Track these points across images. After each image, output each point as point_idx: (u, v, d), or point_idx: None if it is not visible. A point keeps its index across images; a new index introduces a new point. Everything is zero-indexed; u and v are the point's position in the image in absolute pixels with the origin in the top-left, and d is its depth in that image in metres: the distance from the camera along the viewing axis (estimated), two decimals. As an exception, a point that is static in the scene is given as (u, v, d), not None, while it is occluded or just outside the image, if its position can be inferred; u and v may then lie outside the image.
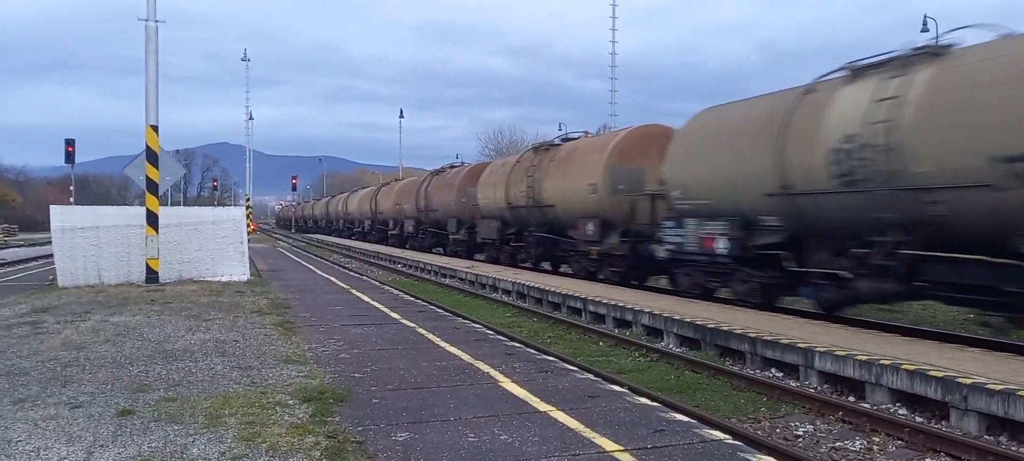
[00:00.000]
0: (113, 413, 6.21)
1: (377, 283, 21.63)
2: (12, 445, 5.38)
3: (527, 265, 23.44)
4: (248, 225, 29.68)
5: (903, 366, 7.95)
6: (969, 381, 7.23)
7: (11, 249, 42.85)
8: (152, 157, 17.30)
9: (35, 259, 31.58)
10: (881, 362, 8.20)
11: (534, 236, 22.22)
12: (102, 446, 5.37)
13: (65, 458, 5.11)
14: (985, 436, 6.97)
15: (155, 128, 17.30)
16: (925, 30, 33.54)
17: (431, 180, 34.88)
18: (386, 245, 42.21)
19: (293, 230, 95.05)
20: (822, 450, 6.93)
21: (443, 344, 9.96)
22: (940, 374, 7.56)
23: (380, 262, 32.66)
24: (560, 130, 28.94)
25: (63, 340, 9.66)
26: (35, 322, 11.20)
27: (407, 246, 37.55)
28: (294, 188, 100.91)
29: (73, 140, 37.13)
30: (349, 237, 54.63)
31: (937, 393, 7.48)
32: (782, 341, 9.73)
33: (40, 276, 21.86)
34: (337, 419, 6.14)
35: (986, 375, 7.45)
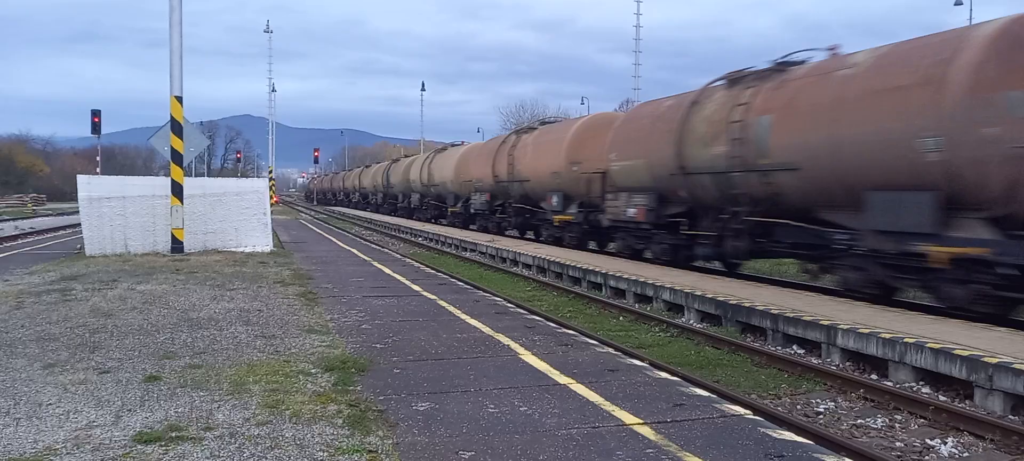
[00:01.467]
0: (140, 379, 6.33)
1: (399, 256, 21.75)
2: (43, 408, 5.50)
3: (512, 233, 26.93)
4: (271, 197, 29.94)
5: (928, 344, 7.87)
6: (995, 360, 7.14)
7: (40, 218, 43.58)
8: (177, 128, 17.44)
9: (63, 228, 32.09)
10: (905, 340, 8.12)
11: (513, 207, 26.12)
12: (130, 410, 5.48)
13: (94, 421, 5.22)
14: (1010, 416, 6.90)
15: (179, 99, 17.42)
16: (959, 3, 32.71)
17: (433, 157, 38.61)
18: (395, 216, 45.77)
19: (315, 203, 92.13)
20: (843, 426, 6.90)
21: (464, 316, 10.01)
22: (965, 353, 7.47)
23: (401, 235, 32.82)
24: (582, 105, 29.99)
25: (91, 307, 9.83)
26: (64, 290, 11.41)
27: (414, 217, 41.68)
28: (316, 161, 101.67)
29: (99, 111, 37.49)
30: (375, 211, 55.89)
31: (962, 372, 7.40)
32: (804, 318, 9.66)
33: (68, 245, 22.23)
34: (359, 388, 6.21)
35: (1013, 354, 7.36)
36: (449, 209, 34.70)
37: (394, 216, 46.09)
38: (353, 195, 67.48)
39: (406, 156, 48.92)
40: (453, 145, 38.81)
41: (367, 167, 66.40)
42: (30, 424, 5.14)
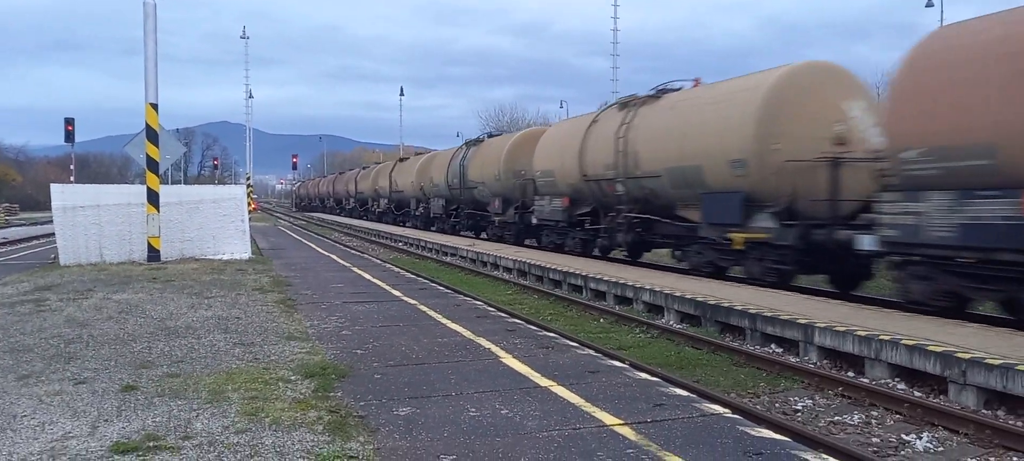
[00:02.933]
0: (117, 388, 6.26)
1: (378, 261, 21.67)
2: (18, 420, 5.42)
3: (468, 234, 30.01)
4: (249, 204, 29.68)
5: (903, 341, 7.99)
6: (968, 356, 7.26)
7: (13, 228, 42.90)
8: (152, 135, 17.27)
9: (37, 238, 31.62)
10: (881, 337, 8.24)
11: (465, 211, 30.01)
12: (106, 420, 5.42)
13: (70, 432, 5.16)
14: (983, 410, 7.02)
15: (155, 106, 17.26)
16: (930, 4, 33.24)
17: (394, 166, 42.19)
18: (372, 221, 46.16)
19: (296, 210, 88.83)
20: (821, 424, 6.98)
21: (444, 321, 10.00)
22: (939, 349, 7.59)
23: (381, 240, 32.71)
24: (561, 108, 30.96)
25: (66, 317, 9.70)
26: (38, 300, 11.24)
27: (383, 221, 43.52)
28: (295, 167, 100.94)
29: (73, 119, 37.00)
30: (348, 215, 56.84)
31: (936, 368, 7.52)
32: (782, 317, 9.76)
33: (42, 255, 21.92)
34: (339, 394, 6.19)
35: (985, 350, 7.49)
36: (413, 213, 38.59)
37: (369, 221, 47.10)
38: (346, 202, 61.65)
39: (377, 163, 50.37)
40: (417, 153, 42.62)
41: (364, 169, 61.93)
42: (4, 436, 5.07)
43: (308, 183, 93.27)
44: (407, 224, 39.17)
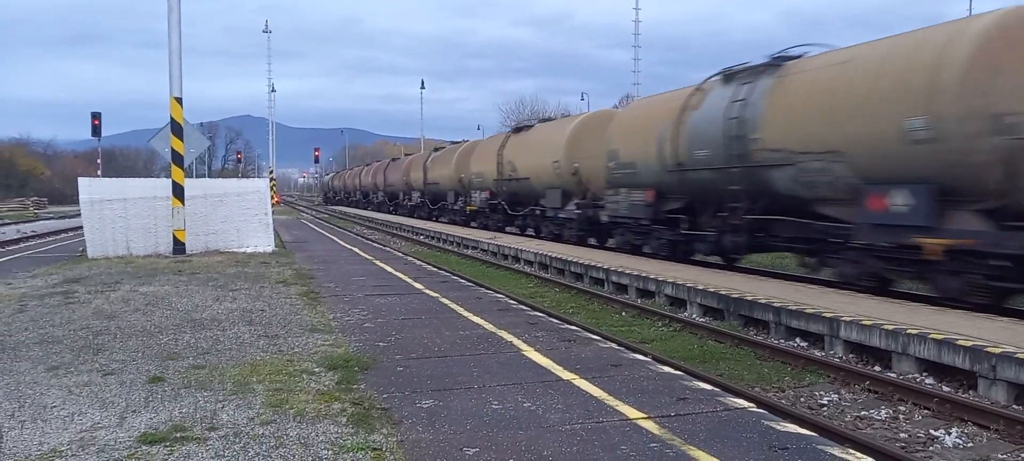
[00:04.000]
0: (144, 380, 6.34)
1: (400, 254, 21.76)
2: (47, 410, 5.51)
3: (513, 230, 27.54)
4: (272, 197, 29.91)
5: (931, 335, 7.87)
6: (998, 350, 7.14)
7: (41, 221, 43.64)
8: (177, 129, 17.45)
9: (65, 231, 32.13)
10: (908, 331, 8.12)
11: (513, 205, 27.79)
12: (134, 411, 5.48)
13: (99, 423, 5.23)
14: (1014, 406, 6.89)
15: (179, 100, 17.42)
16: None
17: (429, 156, 39.48)
18: (396, 214, 45.76)
19: (327, 203, 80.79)
20: (847, 419, 6.90)
21: (466, 314, 10.01)
22: (968, 343, 7.47)
23: (403, 233, 32.83)
24: (582, 100, 29.63)
25: (94, 309, 9.84)
26: (67, 292, 11.42)
27: (416, 215, 41.60)
28: (317, 160, 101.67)
29: (99, 113, 37.50)
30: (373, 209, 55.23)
31: (965, 362, 7.40)
32: (807, 311, 9.66)
33: (70, 247, 22.26)
34: (362, 386, 6.21)
35: (1016, 344, 7.35)
36: (450, 207, 35.06)
37: (393, 214, 46.07)
38: (404, 196, 47.42)
39: (438, 149, 41.15)
40: (439, 146, 40.21)
41: (395, 160, 54.68)
42: (35, 426, 5.15)
43: (344, 174, 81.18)
44: (442, 219, 36.16)
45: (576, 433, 5.09)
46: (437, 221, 36.37)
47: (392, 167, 50.84)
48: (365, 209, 56.74)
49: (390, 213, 47.81)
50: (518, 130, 27.07)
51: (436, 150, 39.85)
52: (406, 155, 51.76)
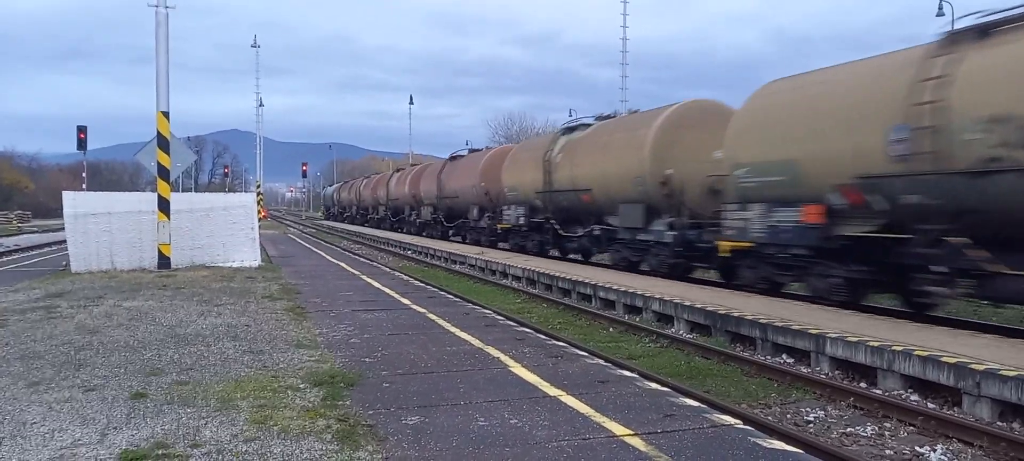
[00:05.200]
0: (126, 396, 6.26)
1: (387, 269, 21.68)
2: (27, 427, 5.43)
3: (576, 256, 23.49)
4: (259, 212, 29.75)
5: (916, 352, 7.91)
6: (982, 367, 7.18)
7: (25, 235, 43.20)
8: (163, 143, 17.37)
9: (48, 245, 31.82)
10: (893, 348, 8.16)
11: (560, 223, 26.19)
12: (116, 428, 5.41)
13: (79, 440, 5.16)
14: (998, 422, 6.93)
15: (166, 114, 17.36)
16: (941, 14, 33.09)
17: (444, 166, 35.14)
18: (377, 229, 45.41)
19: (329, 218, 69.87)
20: (833, 435, 6.92)
21: (453, 329, 9.98)
22: (953, 360, 7.51)
23: (390, 248, 32.73)
24: (570, 116, 28.17)
25: (77, 324, 9.74)
26: (49, 307, 11.29)
27: (424, 234, 37.26)
28: (304, 175, 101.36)
29: (85, 127, 37.27)
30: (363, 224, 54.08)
31: (950, 379, 7.44)
32: (793, 327, 9.69)
33: (54, 261, 22.04)
34: (348, 403, 6.17)
35: (1000, 361, 7.41)
36: (407, 220, 38.89)
37: (372, 228, 46.01)
38: (412, 212, 41.66)
39: (455, 158, 35.30)
40: (412, 165, 41.28)
41: (399, 172, 47.98)
42: (14, 443, 5.07)
43: (357, 184, 62.19)
44: (467, 238, 31.20)
45: (562, 450, 5.06)
46: (454, 241, 32.12)
47: (398, 179, 44.93)
48: (378, 228, 48.10)
49: (393, 230, 43.67)
50: (570, 130, 21.89)
51: (452, 158, 34.43)
52: (411, 166, 47.24)
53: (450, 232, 33.17)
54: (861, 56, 12.07)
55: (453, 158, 34.45)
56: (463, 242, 31.17)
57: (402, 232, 41.01)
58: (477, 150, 33.44)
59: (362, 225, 52.91)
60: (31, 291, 13.51)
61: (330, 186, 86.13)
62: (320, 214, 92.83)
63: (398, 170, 49.29)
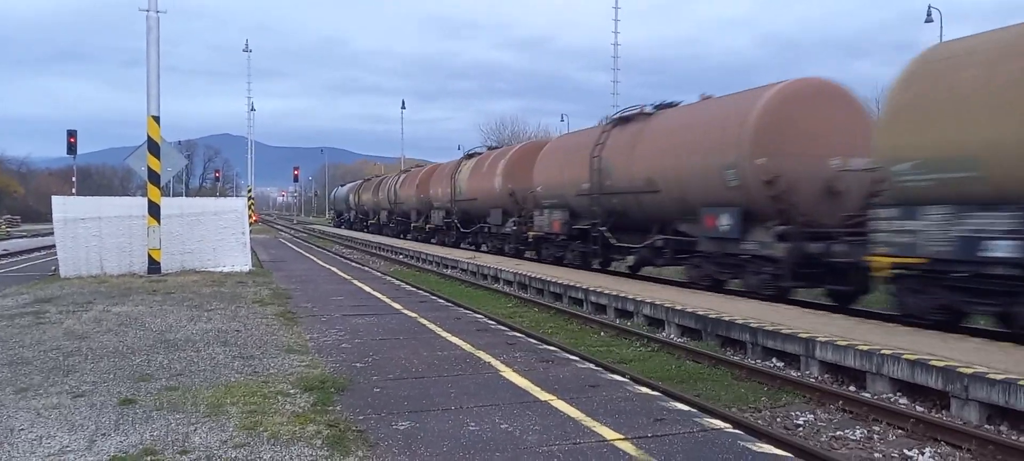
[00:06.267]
0: (115, 402, 6.23)
1: (379, 274, 21.65)
2: (15, 434, 5.40)
3: (466, 246, 27.23)
4: (250, 216, 29.61)
5: (904, 356, 7.95)
6: (970, 371, 7.23)
7: (14, 240, 42.91)
8: (154, 147, 17.30)
9: (37, 250, 31.62)
10: (882, 352, 8.20)
11: (463, 221, 27.63)
12: (104, 434, 5.39)
13: (67, 447, 5.13)
14: (986, 425, 6.98)
15: (156, 118, 17.29)
16: (929, 20, 33.28)
17: (459, 165, 30.94)
18: (366, 232, 44.20)
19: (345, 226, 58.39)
20: (822, 439, 6.94)
21: (444, 334, 9.97)
22: (941, 363, 7.56)
23: (382, 253, 32.68)
24: (562, 121, 27.79)
25: (65, 330, 9.68)
26: (37, 312, 11.23)
27: (435, 240, 34.05)
28: (296, 179, 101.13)
29: (75, 131, 37.10)
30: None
31: (938, 383, 7.48)
32: (783, 331, 9.73)
33: (42, 266, 21.91)
34: (338, 408, 6.16)
35: (988, 365, 7.45)
36: (412, 225, 35.59)
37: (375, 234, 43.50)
38: (420, 217, 36.36)
39: (471, 156, 30.81)
40: (417, 166, 38.84)
41: (407, 173, 42.17)
42: (1, 450, 5.04)
43: (387, 182, 46.51)
44: (483, 247, 27.63)
45: (553, 454, 5.07)
46: (463, 247, 29.00)
47: (406, 180, 39.36)
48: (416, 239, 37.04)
49: (398, 237, 38.53)
50: (626, 120, 17.64)
51: (468, 156, 30.78)
52: (415, 168, 41.96)
53: (465, 239, 29.48)
54: (852, 61, 11.94)
55: (468, 156, 30.63)
56: (478, 251, 27.41)
57: (424, 241, 34.87)
58: (493, 148, 30.36)
59: (396, 236, 40.13)
60: (19, 296, 13.43)
61: (343, 186, 67.64)
62: (326, 220, 78.37)
63: (405, 171, 43.58)
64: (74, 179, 43.90)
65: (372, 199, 48.66)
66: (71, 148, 37.37)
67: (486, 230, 26.94)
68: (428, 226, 34.34)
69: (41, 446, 5.14)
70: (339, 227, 61.72)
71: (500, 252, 25.64)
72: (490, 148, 30.96)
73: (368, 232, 47.92)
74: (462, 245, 29.43)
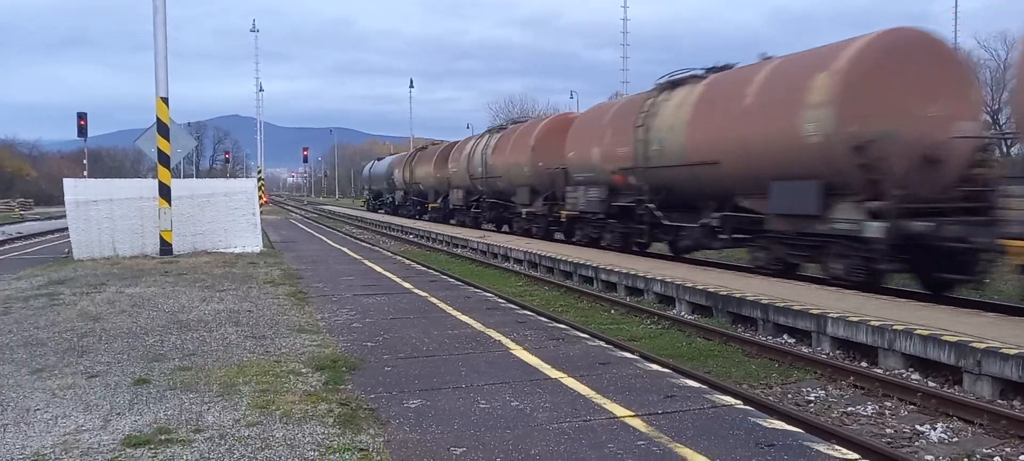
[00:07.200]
0: (129, 382, 6.29)
1: (388, 253, 21.70)
2: (31, 413, 5.45)
3: (487, 226, 26.52)
4: (260, 197, 29.67)
5: (917, 331, 7.91)
6: (983, 346, 7.19)
7: (28, 222, 43.27)
8: (163, 129, 17.32)
9: (51, 232, 31.87)
10: (894, 327, 8.16)
11: (487, 201, 25.72)
12: (119, 414, 5.44)
13: (83, 426, 5.18)
14: (999, 401, 6.94)
15: (165, 100, 17.30)
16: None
17: (491, 138, 27.58)
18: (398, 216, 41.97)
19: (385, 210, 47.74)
20: (833, 415, 6.93)
21: (454, 313, 10.00)
22: (954, 339, 7.52)
23: (392, 233, 32.74)
24: (571, 99, 27.11)
25: (79, 311, 9.76)
26: (52, 294, 11.32)
27: (396, 212, 37.54)
28: (305, 159, 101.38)
29: (85, 114, 37.26)
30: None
31: (950, 358, 7.45)
32: (794, 307, 9.70)
33: (56, 249, 22.09)
34: (350, 387, 6.19)
35: (1001, 340, 7.41)
36: (430, 205, 33.97)
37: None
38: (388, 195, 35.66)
39: (501, 129, 27.74)
40: (433, 143, 35.73)
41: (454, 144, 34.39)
42: (18, 430, 5.10)
43: (446, 150, 34.90)
44: (511, 228, 25.47)
45: (564, 432, 5.08)
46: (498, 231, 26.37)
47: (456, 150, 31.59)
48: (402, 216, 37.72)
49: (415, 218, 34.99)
50: (674, 85, 16.06)
51: (491, 131, 27.47)
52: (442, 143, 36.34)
53: (503, 217, 26.55)
54: (863, 34, 11.63)
55: (495, 130, 27.68)
56: (510, 231, 25.40)
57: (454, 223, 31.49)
58: (517, 122, 27.38)
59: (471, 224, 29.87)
60: (34, 278, 13.54)
61: (381, 160, 53.81)
62: (361, 204, 63.91)
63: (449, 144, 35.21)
64: (85, 161, 44.13)
65: (434, 174, 34.79)
66: (81, 131, 37.54)
67: (512, 210, 24.94)
68: (457, 205, 29.76)
69: (57, 425, 5.19)
70: (377, 211, 49.94)
71: (528, 233, 23.88)
72: (514, 122, 28.59)
73: (427, 220, 35.46)
74: (495, 225, 27.10)
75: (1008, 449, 6.01)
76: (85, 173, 41.39)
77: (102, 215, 17.77)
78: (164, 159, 17.33)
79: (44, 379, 6.39)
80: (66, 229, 19.87)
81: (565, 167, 20.33)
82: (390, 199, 46.34)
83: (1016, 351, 6.91)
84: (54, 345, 7.72)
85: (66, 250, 19.67)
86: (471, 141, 29.67)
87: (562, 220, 21.17)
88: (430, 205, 32.38)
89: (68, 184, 18.37)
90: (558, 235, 22.61)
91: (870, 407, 7.09)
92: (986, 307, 9.80)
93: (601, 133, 18.44)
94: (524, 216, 23.76)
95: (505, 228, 26.67)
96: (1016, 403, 6.89)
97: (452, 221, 31.29)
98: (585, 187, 19.02)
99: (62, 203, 20.21)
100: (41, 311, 9.81)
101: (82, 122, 37.10)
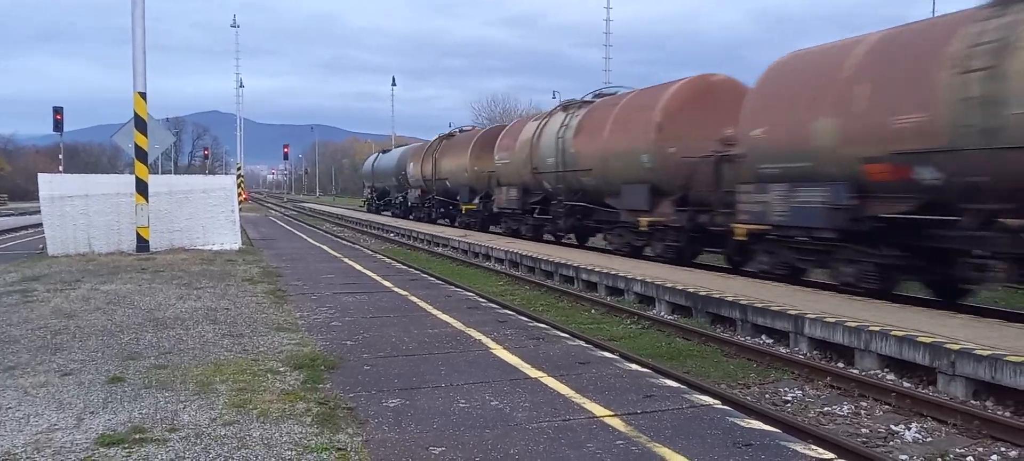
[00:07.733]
0: (103, 380, 6.20)
1: (369, 252, 21.60)
2: (2, 412, 5.36)
3: (443, 222, 30.18)
4: (240, 194, 29.43)
5: (892, 332, 8.00)
6: (957, 347, 7.28)
7: (1, 218, 42.58)
8: (141, 124, 17.12)
9: (24, 228, 31.38)
10: (870, 328, 8.25)
11: (565, 205, 19.82)
12: (92, 412, 5.36)
13: (56, 424, 5.10)
14: (971, 401, 7.04)
15: (143, 95, 17.10)
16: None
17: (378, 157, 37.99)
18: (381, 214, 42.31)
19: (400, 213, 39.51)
20: (810, 415, 7.00)
21: (435, 312, 9.97)
22: (928, 340, 7.61)
23: (372, 231, 32.60)
24: (553, 98, 27.33)
25: (53, 308, 9.62)
26: (25, 291, 11.15)
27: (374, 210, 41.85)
28: (286, 157, 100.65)
29: (61, 107, 36.79)
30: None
31: (925, 359, 7.54)
32: (772, 308, 9.77)
33: (30, 245, 21.76)
34: (328, 386, 6.15)
35: (974, 341, 7.51)
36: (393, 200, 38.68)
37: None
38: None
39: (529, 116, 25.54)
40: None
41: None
42: (-12, 429, 5.01)
43: (481, 136, 27.51)
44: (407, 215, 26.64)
45: (543, 431, 5.08)
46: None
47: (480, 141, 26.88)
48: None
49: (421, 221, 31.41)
50: (441, 138, 17.34)
51: (383, 151, 27.41)
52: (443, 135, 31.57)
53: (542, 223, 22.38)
54: (846, 36, 11.70)
55: (574, 106, 20.74)
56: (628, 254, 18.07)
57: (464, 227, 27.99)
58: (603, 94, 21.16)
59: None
60: (6, 275, 13.33)
61: (385, 153, 46.62)
62: (360, 205, 55.47)
63: (446, 135, 31.47)
64: (61, 156, 43.53)
65: (471, 167, 27.09)
66: (57, 125, 37.05)
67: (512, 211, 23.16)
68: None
69: (29, 424, 5.11)
70: (380, 213, 43.11)
71: (468, 227, 27.58)
72: (461, 130, 30.97)
73: (459, 226, 29.32)
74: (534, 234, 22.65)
75: (980, 449, 6.10)
76: (61, 168, 40.82)
77: (78, 211, 17.53)
78: (141, 155, 17.12)
79: (16, 377, 6.29)
80: (40, 225, 19.58)
81: (494, 171, 24.62)
82: (400, 199, 39.59)
83: (989, 353, 7.01)
84: (27, 342, 7.60)
85: (40, 246, 19.38)
86: (530, 122, 22.71)
87: (496, 212, 25.08)
88: (464, 208, 26.77)
89: (43, 179, 18.10)
90: (493, 227, 26.26)
91: (846, 407, 7.17)
92: (959, 310, 9.94)
93: (514, 146, 22.56)
94: (638, 228, 16.18)
95: (605, 244, 19.59)
96: (989, 403, 6.99)
97: (494, 228, 25.53)
98: (507, 188, 23.35)
99: (37, 199, 19.90)
100: (14, 308, 9.65)
101: (58, 116, 36.61)
